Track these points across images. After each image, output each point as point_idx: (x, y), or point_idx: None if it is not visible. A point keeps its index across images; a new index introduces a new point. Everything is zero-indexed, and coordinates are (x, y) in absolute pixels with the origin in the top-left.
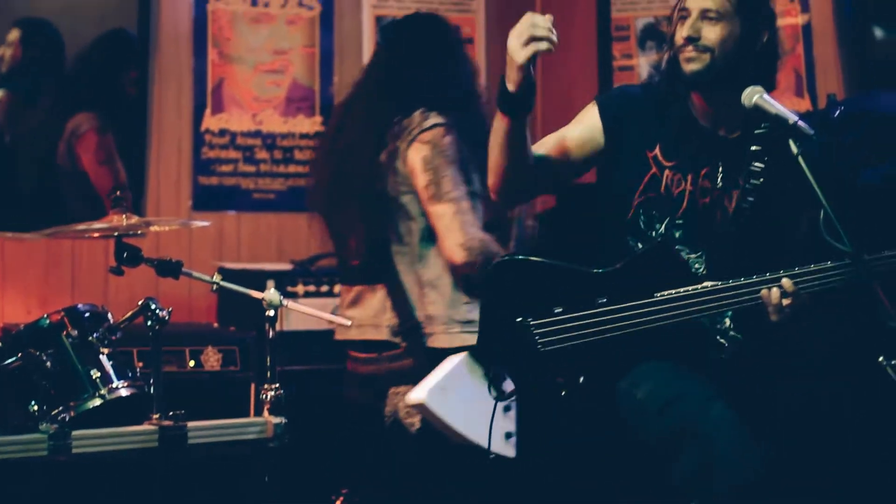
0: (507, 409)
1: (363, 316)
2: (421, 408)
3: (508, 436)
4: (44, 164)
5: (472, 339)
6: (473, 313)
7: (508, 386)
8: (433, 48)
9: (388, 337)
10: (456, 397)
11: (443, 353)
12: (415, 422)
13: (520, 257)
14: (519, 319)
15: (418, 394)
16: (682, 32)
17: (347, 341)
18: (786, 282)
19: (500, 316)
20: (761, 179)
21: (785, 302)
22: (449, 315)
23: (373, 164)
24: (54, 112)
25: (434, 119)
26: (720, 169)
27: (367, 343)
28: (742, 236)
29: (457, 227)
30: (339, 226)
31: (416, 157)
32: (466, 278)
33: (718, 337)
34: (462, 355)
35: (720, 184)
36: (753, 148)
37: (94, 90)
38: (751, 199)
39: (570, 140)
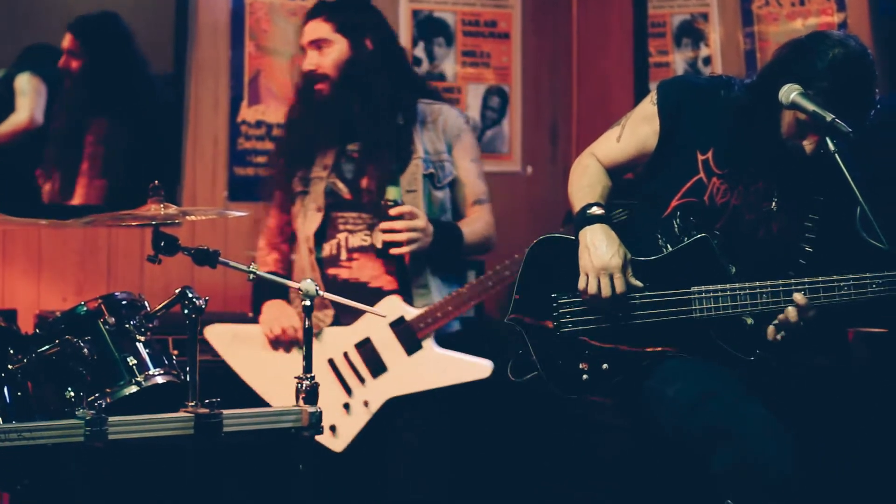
0: (346, 406)
1: None
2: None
3: (332, 428)
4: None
5: None
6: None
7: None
8: None
9: None
10: (249, 348)
11: None
12: None
13: (557, 235)
14: (553, 295)
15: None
16: (809, 143)
17: None
18: (797, 297)
19: (534, 293)
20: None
21: (809, 314)
22: None
23: None
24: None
25: None
26: (775, 191)
27: None
28: (784, 255)
29: None
30: None
31: None
32: None
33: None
34: None
35: (775, 207)
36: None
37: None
38: (812, 235)
39: (622, 155)
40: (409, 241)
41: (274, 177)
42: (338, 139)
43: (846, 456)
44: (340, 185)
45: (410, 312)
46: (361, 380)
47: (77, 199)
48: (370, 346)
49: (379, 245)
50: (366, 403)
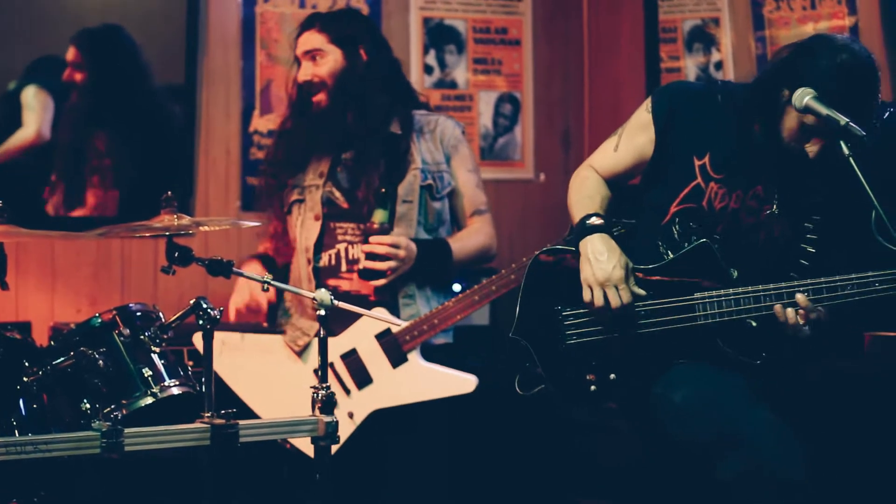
0: (349, 414)
1: None
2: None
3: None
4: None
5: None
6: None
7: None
8: None
9: None
10: (237, 356)
11: None
12: None
13: (559, 247)
14: (557, 308)
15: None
16: (812, 146)
17: None
18: (799, 297)
19: (537, 306)
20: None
21: (811, 316)
22: None
23: None
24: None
25: None
26: (775, 194)
27: None
28: (785, 258)
29: None
30: None
31: None
32: None
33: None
34: (276, 337)
35: (776, 210)
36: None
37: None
38: (814, 237)
39: (620, 165)
40: (388, 270)
41: (265, 189)
42: (332, 147)
43: (859, 461)
44: (337, 193)
45: (397, 324)
46: (347, 391)
47: (87, 211)
48: (356, 357)
49: (360, 266)
50: (350, 415)
